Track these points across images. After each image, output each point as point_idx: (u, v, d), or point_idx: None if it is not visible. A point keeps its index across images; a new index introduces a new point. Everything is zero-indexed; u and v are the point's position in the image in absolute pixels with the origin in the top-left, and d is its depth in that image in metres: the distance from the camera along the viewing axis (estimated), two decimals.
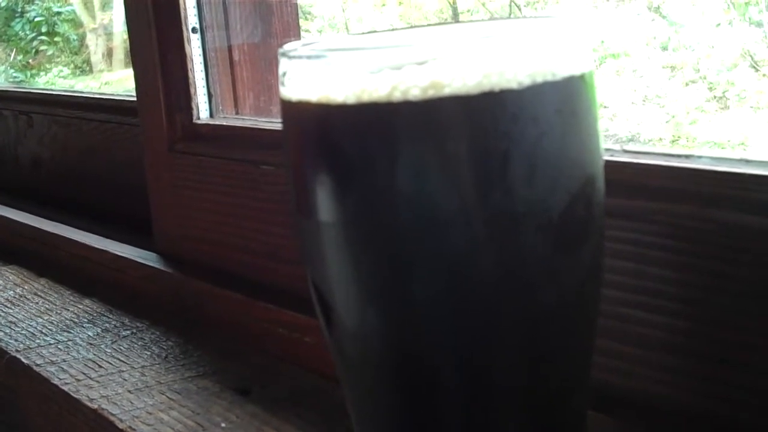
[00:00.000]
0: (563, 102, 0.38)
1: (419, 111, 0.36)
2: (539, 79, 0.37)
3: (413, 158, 0.37)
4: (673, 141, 2.80)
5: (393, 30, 0.48)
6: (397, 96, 0.36)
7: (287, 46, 0.41)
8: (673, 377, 0.51)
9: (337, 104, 0.38)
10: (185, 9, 0.83)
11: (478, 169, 0.37)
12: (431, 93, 0.36)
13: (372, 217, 0.38)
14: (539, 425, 0.41)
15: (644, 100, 2.96)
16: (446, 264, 0.38)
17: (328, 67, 0.38)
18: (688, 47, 2.95)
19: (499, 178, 0.37)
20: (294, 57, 0.40)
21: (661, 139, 2.84)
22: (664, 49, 3.02)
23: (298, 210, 0.42)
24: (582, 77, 0.39)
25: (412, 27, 0.47)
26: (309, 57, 0.40)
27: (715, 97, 2.87)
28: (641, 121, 2.87)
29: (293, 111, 0.40)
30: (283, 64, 0.41)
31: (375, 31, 0.46)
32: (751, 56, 2.79)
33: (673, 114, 2.88)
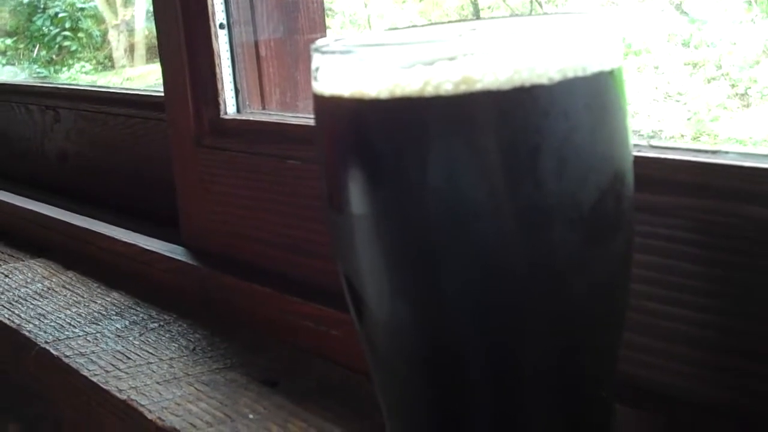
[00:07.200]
0: (593, 97, 0.39)
1: (451, 105, 0.37)
2: (570, 75, 0.37)
3: (445, 152, 0.37)
4: (694, 138, 2.79)
5: (424, 26, 0.48)
6: (430, 91, 0.37)
7: (319, 42, 0.42)
8: (699, 371, 0.51)
9: (369, 99, 0.38)
10: (213, 5, 0.84)
11: (508, 163, 0.37)
12: (463, 88, 0.37)
13: (403, 210, 0.39)
14: (567, 415, 0.42)
15: (666, 97, 2.95)
16: (476, 257, 0.38)
17: (360, 62, 0.39)
18: (710, 44, 2.94)
19: (530, 172, 0.37)
20: (327, 52, 0.41)
21: (683, 135, 2.83)
22: (686, 45, 3.01)
23: (330, 203, 0.42)
24: (611, 72, 0.39)
25: (443, 23, 0.48)
26: (342, 52, 0.40)
27: (737, 93, 2.86)
28: (663, 118, 2.86)
29: (326, 106, 0.41)
30: (316, 60, 0.41)
31: (408, 27, 0.47)
32: None
33: (695, 111, 2.88)
